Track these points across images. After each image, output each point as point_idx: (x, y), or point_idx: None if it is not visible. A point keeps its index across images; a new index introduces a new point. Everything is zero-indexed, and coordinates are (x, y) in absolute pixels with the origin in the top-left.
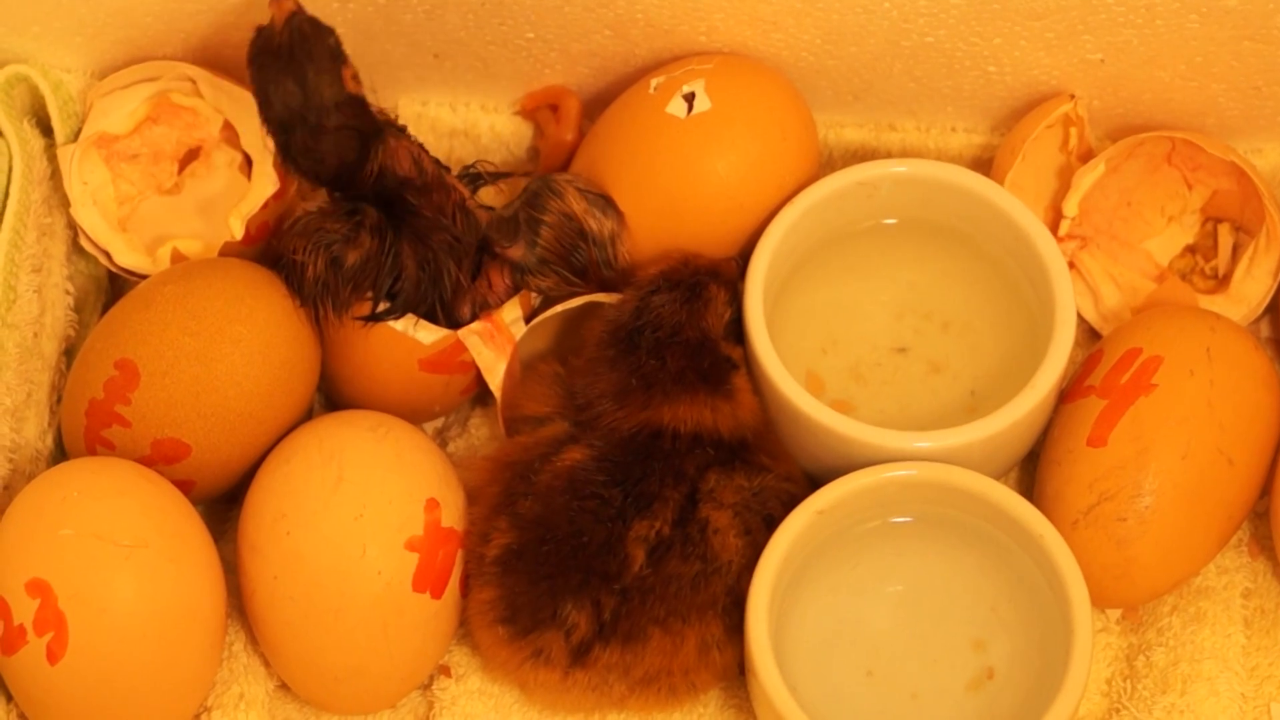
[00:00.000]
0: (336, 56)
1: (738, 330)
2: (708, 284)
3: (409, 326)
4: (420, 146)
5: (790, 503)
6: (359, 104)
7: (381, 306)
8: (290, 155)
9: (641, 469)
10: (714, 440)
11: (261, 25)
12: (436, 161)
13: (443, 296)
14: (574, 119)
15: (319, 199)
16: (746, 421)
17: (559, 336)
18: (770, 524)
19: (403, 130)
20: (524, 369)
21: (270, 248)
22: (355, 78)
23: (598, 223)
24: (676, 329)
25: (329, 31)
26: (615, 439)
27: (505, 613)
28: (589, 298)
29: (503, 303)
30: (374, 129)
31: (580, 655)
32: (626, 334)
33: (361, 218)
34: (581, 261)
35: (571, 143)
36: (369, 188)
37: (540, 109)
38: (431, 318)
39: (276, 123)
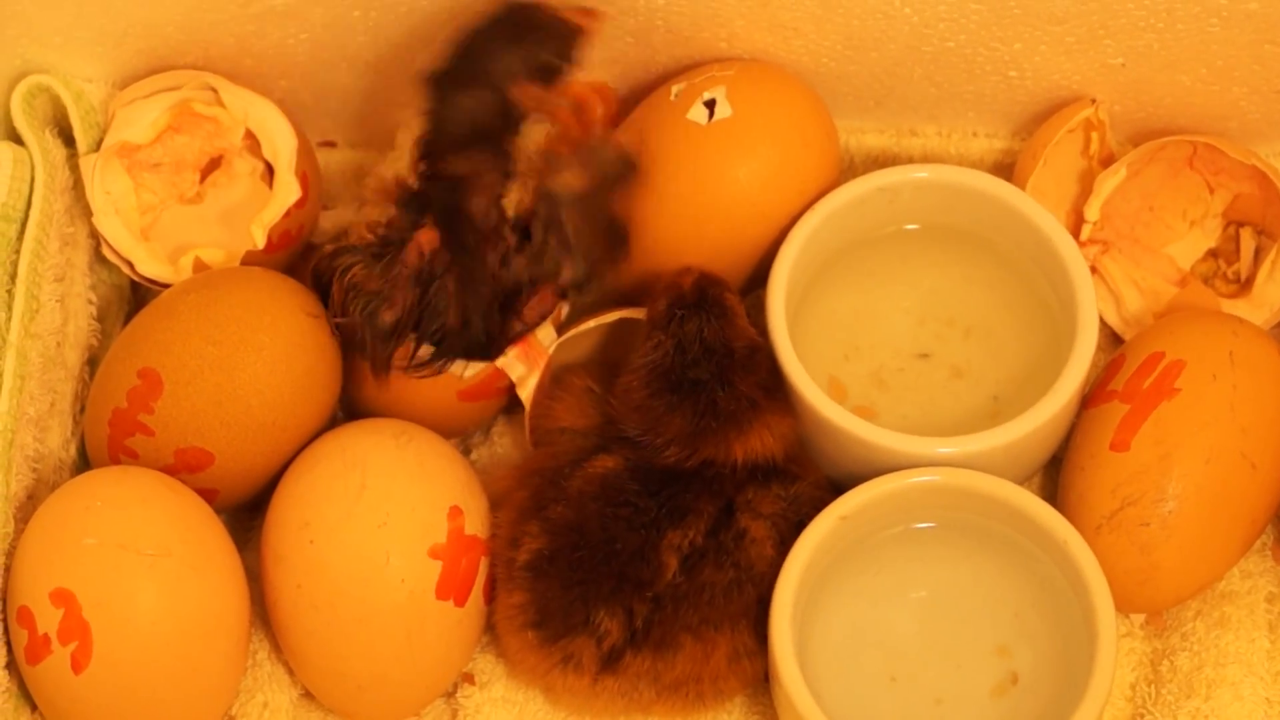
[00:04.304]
0: (547, 72)
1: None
2: (720, 293)
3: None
4: (499, 193)
5: (823, 509)
6: (507, 112)
7: (424, 350)
8: (427, 77)
9: (679, 483)
10: (768, 467)
11: None
12: (499, 205)
13: (478, 342)
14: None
15: (351, 230)
16: (793, 434)
17: (589, 350)
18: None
19: (509, 173)
20: (554, 382)
21: (307, 272)
22: (536, 100)
23: (600, 165)
24: (728, 345)
25: (566, 62)
26: (657, 459)
27: (535, 617)
28: (620, 314)
29: (533, 327)
30: (492, 143)
31: (611, 662)
32: (680, 372)
33: (403, 260)
34: (620, 222)
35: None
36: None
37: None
38: (468, 357)
39: (455, 58)
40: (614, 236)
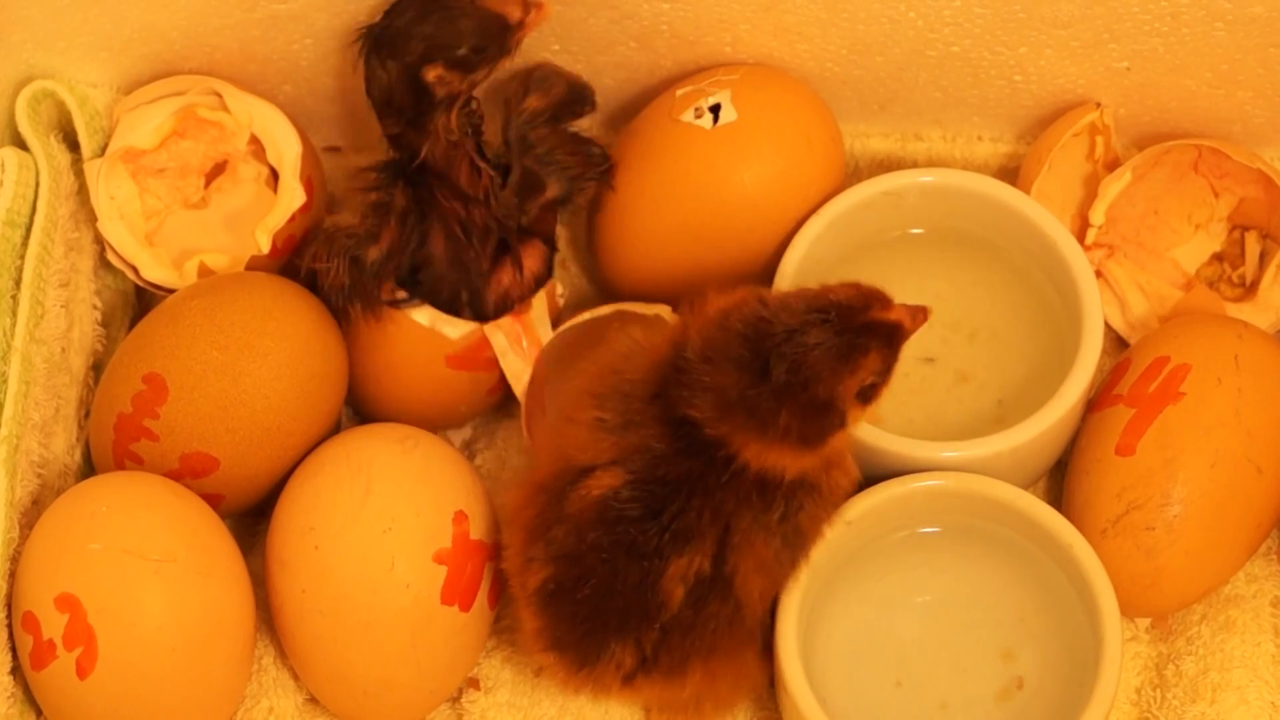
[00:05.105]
0: (465, 63)
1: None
2: (870, 349)
3: (435, 321)
4: (472, 143)
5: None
6: (418, 90)
7: (400, 294)
8: (364, 41)
9: (679, 503)
10: (775, 481)
11: None
12: (478, 145)
13: (472, 284)
14: None
15: (347, 214)
16: (820, 466)
17: (584, 345)
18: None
19: (464, 130)
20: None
21: (292, 264)
22: (440, 80)
23: (551, 87)
24: (809, 382)
25: (492, 57)
26: (657, 462)
27: (554, 645)
28: (617, 306)
29: (530, 289)
30: (418, 110)
31: (628, 680)
32: (765, 351)
33: (390, 204)
34: (591, 140)
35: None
36: (417, 152)
37: None
38: (456, 309)
39: (383, 24)
40: (588, 153)
